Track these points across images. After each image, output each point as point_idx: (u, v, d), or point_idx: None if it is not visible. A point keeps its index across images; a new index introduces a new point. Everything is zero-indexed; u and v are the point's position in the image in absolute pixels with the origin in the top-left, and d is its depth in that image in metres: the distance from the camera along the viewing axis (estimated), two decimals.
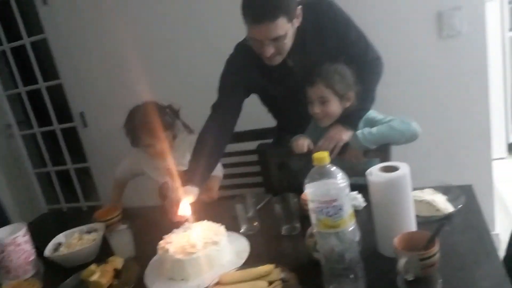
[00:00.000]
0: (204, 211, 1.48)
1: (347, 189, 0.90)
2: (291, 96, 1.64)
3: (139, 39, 2.49)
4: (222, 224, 1.28)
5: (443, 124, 2.16)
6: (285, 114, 1.80)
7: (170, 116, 1.86)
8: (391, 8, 2.08)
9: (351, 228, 0.90)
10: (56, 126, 2.98)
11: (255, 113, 1.80)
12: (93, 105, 2.77)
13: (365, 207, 1.31)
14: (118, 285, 1.19)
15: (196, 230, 1.24)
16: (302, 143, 1.59)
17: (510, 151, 3.36)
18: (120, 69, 2.58)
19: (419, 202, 1.17)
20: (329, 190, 0.88)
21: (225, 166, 1.96)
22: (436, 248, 0.88)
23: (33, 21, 2.75)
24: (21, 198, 3.20)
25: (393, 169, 1.02)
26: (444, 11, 2.02)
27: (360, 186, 1.25)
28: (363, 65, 1.58)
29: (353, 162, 1.52)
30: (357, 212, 1.27)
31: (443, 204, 1.17)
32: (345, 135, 1.54)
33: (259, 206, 1.47)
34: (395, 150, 1.55)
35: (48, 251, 1.40)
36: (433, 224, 0.96)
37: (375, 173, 1.03)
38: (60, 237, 1.48)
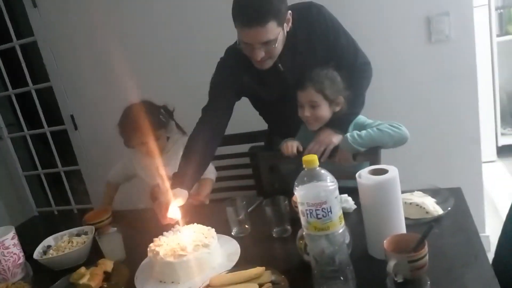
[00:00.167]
0: (194, 214, 1.48)
1: (336, 192, 0.91)
2: (282, 100, 1.64)
3: (129, 41, 2.49)
4: (213, 226, 1.27)
5: (433, 128, 2.18)
6: (275, 117, 1.81)
7: (164, 116, 1.86)
8: (379, 14, 2.10)
9: (340, 231, 0.91)
10: (46, 129, 2.96)
11: (246, 116, 1.80)
12: (83, 108, 2.76)
13: (355, 209, 1.31)
14: None
15: (187, 232, 1.24)
16: (291, 145, 1.60)
17: (500, 154, 3.40)
18: (110, 72, 2.57)
19: (408, 205, 1.18)
20: (318, 193, 0.88)
21: (216, 169, 1.96)
22: (425, 250, 0.89)
23: (23, 23, 2.74)
24: (11, 201, 3.17)
25: (382, 172, 1.03)
26: (433, 16, 2.05)
27: (350, 189, 1.25)
28: (353, 70, 1.60)
29: (343, 165, 1.53)
30: (347, 214, 1.28)
31: (433, 207, 1.18)
32: (335, 139, 1.55)
33: (250, 209, 1.47)
34: (385, 153, 1.57)
35: (37, 254, 1.39)
36: (423, 227, 0.96)
37: (364, 175, 1.04)
38: (49, 240, 1.47)
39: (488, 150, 3.24)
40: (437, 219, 1.14)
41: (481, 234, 1.08)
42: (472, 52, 2.07)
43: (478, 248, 1.01)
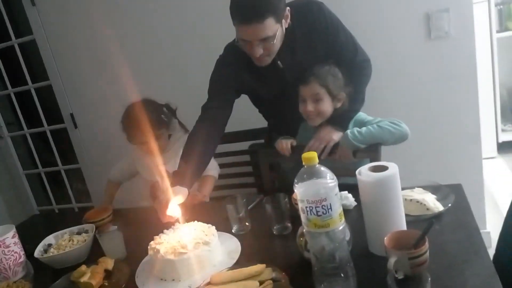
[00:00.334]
0: (195, 211, 1.48)
1: (336, 189, 0.90)
2: (281, 97, 1.64)
3: (128, 39, 2.48)
4: (213, 224, 1.28)
5: (433, 125, 2.17)
6: (275, 115, 1.81)
7: (166, 114, 1.85)
8: (379, 10, 2.09)
9: (341, 228, 0.90)
10: (46, 128, 2.96)
11: (246, 114, 1.80)
12: (83, 107, 2.75)
13: (355, 206, 1.32)
14: (109, 286, 1.19)
15: (187, 230, 1.24)
16: (285, 143, 1.60)
17: (500, 151, 3.40)
18: (109, 70, 2.57)
19: (409, 202, 1.18)
20: (318, 190, 0.88)
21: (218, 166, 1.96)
22: (425, 247, 0.89)
23: (22, 22, 2.73)
24: (11, 200, 3.18)
25: (383, 168, 1.03)
26: (432, 13, 2.04)
27: (350, 185, 1.25)
28: (352, 67, 1.59)
29: (343, 162, 1.53)
30: (347, 211, 1.28)
31: (433, 203, 1.18)
32: (335, 136, 1.55)
33: (250, 206, 1.47)
34: (385, 150, 1.56)
35: (38, 252, 1.39)
36: (423, 223, 0.96)
37: (364, 172, 1.04)
38: (50, 239, 1.47)
39: (488, 146, 3.24)
40: (438, 216, 1.14)
41: (481, 231, 1.08)
42: (472, 49, 2.06)
43: (478, 245, 1.01)
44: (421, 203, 1.18)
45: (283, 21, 1.45)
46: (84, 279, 1.17)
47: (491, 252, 1.12)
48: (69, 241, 1.43)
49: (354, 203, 1.32)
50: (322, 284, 0.92)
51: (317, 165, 0.91)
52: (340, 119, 1.58)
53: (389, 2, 2.07)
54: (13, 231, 1.35)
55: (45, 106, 2.93)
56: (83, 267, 1.22)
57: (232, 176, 2.16)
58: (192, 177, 1.50)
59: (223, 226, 1.33)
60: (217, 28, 2.06)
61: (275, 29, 1.41)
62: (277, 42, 1.47)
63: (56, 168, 3.08)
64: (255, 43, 1.43)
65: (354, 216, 1.26)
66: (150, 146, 1.74)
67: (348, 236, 0.99)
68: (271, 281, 0.99)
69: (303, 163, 0.91)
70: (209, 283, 1.04)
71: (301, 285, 0.96)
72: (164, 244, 1.19)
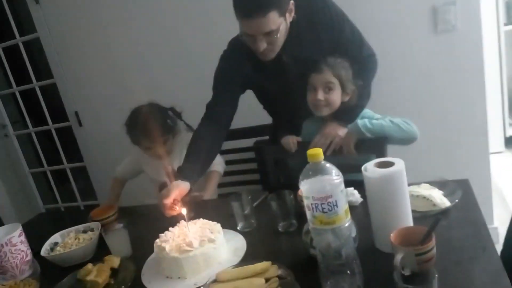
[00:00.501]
0: (200, 209, 1.48)
1: (342, 185, 0.90)
2: (286, 93, 1.63)
3: (133, 37, 2.48)
4: (218, 221, 1.27)
5: (440, 119, 2.16)
6: (280, 112, 1.80)
7: (171, 118, 1.85)
8: (385, 4, 2.07)
9: (347, 224, 0.90)
10: (51, 126, 2.97)
11: (251, 110, 1.80)
12: (87, 104, 2.76)
13: (361, 203, 1.31)
14: (115, 284, 1.18)
15: (193, 228, 1.24)
16: (291, 140, 1.59)
17: (507, 145, 3.37)
18: (114, 68, 2.57)
19: (415, 197, 1.17)
20: (323, 187, 0.87)
21: None
22: (432, 243, 0.88)
23: (26, 20, 2.74)
24: (17, 198, 3.20)
25: (389, 164, 1.02)
26: (439, 6, 2.02)
27: (356, 182, 1.25)
28: (358, 61, 1.58)
29: (347, 156, 1.51)
30: (353, 208, 1.27)
31: (440, 199, 1.17)
32: (341, 132, 1.54)
33: (255, 204, 1.46)
34: (391, 146, 1.55)
35: (44, 251, 1.39)
36: (430, 219, 0.95)
37: (370, 169, 1.03)
38: (56, 237, 1.48)
39: (495, 141, 3.21)
40: (445, 212, 1.13)
41: (489, 226, 1.07)
42: (479, 42, 2.04)
43: (486, 240, 0.99)
44: (427, 199, 1.16)
45: (287, 14, 1.44)
46: (91, 277, 1.17)
47: (499, 247, 1.10)
48: (75, 239, 1.43)
49: (360, 200, 1.31)
50: (329, 281, 0.92)
51: (323, 162, 0.90)
52: (346, 115, 1.56)
53: None
54: (19, 230, 1.35)
55: (50, 104, 2.94)
56: (89, 265, 1.22)
57: (236, 173, 2.15)
58: (195, 174, 1.50)
59: (228, 223, 1.33)
60: (222, 25, 2.05)
61: (278, 23, 1.40)
62: (281, 36, 1.46)
63: (62, 166, 3.09)
64: (259, 37, 1.42)
65: (360, 212, 1.25)
66: (156, 152, 1.74)
67: (354, 232, 0.98)
68: (277, 279, 0.99)
69: (308, 160, 0.90)
70: (215, 281, 1.04)
71: (307, 282, 0.96)
72: (169, 242, 1.19)
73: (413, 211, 1.06)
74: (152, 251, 1.24)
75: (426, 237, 0.90)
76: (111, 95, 2.58)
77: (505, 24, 3.19)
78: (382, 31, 2.05)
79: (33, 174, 3.22)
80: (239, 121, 1.83)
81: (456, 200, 1.16)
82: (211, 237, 1.18)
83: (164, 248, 1.16)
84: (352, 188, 1.33)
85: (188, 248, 1.14)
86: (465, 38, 2.04)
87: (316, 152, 0.89)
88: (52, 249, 1.42)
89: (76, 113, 2.79)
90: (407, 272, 0.84)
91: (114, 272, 1.23)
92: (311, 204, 0.89)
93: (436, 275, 0.78)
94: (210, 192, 1.83)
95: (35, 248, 1.41)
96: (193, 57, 2.39)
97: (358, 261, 0.92)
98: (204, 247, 1.15)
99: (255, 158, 2.06)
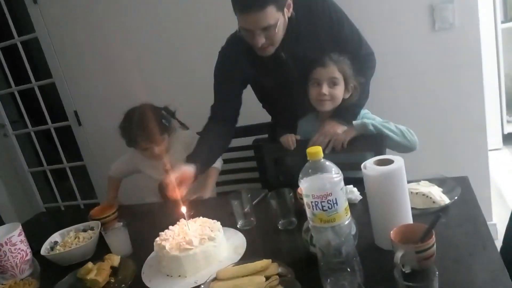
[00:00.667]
0: (199, 207, 1.48)
1: (342, 183, 0.90)
2: (285, 89, 1.63)
3: (131, 36, 2.48)
4: (218, 220, 1.27)
5: (438, 117, 2.16)
6: (279, 108, 1.80)
7: (166, 118, 1.85)
8: (383, 2, 2.07)
9: (347, 222, 0.90)
10: (50, 125, 2.97)
11: (250, 109, 1.79)
12: (86, 104, 2.76)
13: (361, 200, 1.31)
14: (115, 283, 1.19)
15: (192, 226, 1.24)
16: (291, 137, 1.60)
17: (506, 142, 3.38)
18: (112, 67, 2.57)
19: (415, 195, 1.18)
20: (323, 185, 0.87)
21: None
22: (432, 240, 0.88)
23: (24, 20, 2.73)
24: (17, 198, 3.20)
25: (388, 162, 1.02)
26: (436, 4, 2.02)
27: (355, 179, 1.25)
28: (357, 60, 1.58)
29: (338, 151, 1.52)
30: (353, 205, 1.28)
31: (439, 196, 1.17)
32: (340, 130, 1.54)
33: (255, 202, 1.47)
34: None
35: (44, 250, 1.39)
36: (429, 217, 0.96)
37: (369, 166, 1.03)
38: (56, 236, 1.48)
39: (494, 138, 3.22)
40: (444, 209, 1.13)
41: (488, 223, 1.07)
42: (476, 40, 2.04)
43: (486, 237, 1.00)
44: (427, 196, 1.17)
45: (285, 10, 1.44)
46: (91, 276, 1.17)
47: (498, 244, 1.11)
48: (75, 238, 1.43)
49: (360, 197, 1.32)
50: (329, 279, 0.92)
51: (322, 160, 0.90)
52: (345, 113, 1.57)
53: None
54: (19, 229, 1.35)
55: (49, 104, 2.94)
56: (90, 264, 1.22)
57: (236, 171, 2.15)
58: (201, 161, 1.54)
59: (228, 221, 1.33)
60: (218, 26, 2.06)
61: (276, 18, 1.40)
62: (280, 31, 1.46)
63: (61, 166, 3.09)
64: (257, 32, 1.43)
65: (359, 210, 1.25)
66: (153, 152, 1.74)
67: (354, 230, 0.98)
68: (277, 276, 0.99)
69: (308, 158, 0.90)
70: (215, 279, 1.04)
71: (307, 280, 0.96)
72: (169, 240, 1.19)
73: (412, 208, 1.06)
74: (152, 249, 1.24)
75: (426, 234, 0.90)
76: (110, 94, 2.58)
77: (503, 22, 3.19)
78: (379, 29, 2.05)
79: (33, 173, 3.22)
80: (238, 120, 1.84)
81: (456, 197, 1.17)
82: (211, 235, 1.18)
83: (164, 247, 1.16)
84: (351, 186, 1.33)
85: (188, 247, 1.14)
86: (463, 35, 2.04)
87: (315, 150, 0.89)
88: (52, 248, 1.42)
89: (75, 113, 2.79)
90: (407, 270, 0.85)
91: (114, 270, 1.23)
92: (311, 202, 0.89)
93: (437, 273, 0.79)
94: (210, 189, 1.83)
95: (35, 247, 1.41)
96: (189, 57, 2.40)
97: (358, 259, 0.92)
98: (204, 245, 1.15)
99: (254, 156, 2.06)
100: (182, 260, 1.12)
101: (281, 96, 1.69)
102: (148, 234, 1.31)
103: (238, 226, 1.35)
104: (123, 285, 1.15)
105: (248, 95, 1.75)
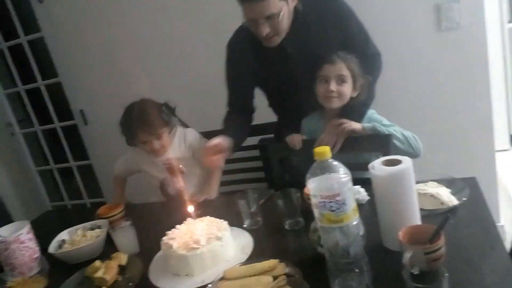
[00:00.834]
0: (206, 206, 1.49)
1: (350, 184, 0.90)
2: (291, 84, 1.64)
3: (136, 36, 2.49)
4: (225, 219, 1.28)
5: (445, 118, 2.15)
6: (284, 105, 1.79)
7: (166, 113, 1.85)
8: (388, 2, 2.06)
9: (355, 223, 0.90)
10: (57, 124, 2.98)
11: (256, 108, 1.80)
12: (92, 103, 2.77)
13: (368, 201, 1.31)
14: (122, 281, 1.19)
15: (199, 225, 1.24)
16: (297, 137, 1.59)
17: None
18: (118, 66, 2.58)
19: (423, 195, 1.17)
20: (331, 185, 0.87)
21: (226, 161, 1.95)
22: (441, 241, 0.88)
23: (30, 19, 2.75)
24: (24, 196, 3.22)
25: (396, 162, 1.02)
26: (442, 3, 2.01)
27: (362, 180, 1.25)
28: (364, 59, 1.58)
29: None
30: (360, 206, 1.26)
31: (447, 197, 1.17)
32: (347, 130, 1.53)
33: (261, 201, 1.47)
34: None
35: (52, 248, 1.40)
36: (438, 217, 0.95)
37: (377, 167, 1.03)
38: (63, 234, 1.49)
39: (501, 139, 3.19)
40: (452, 210, 1.13)
41: (495, 224, 1.06)
42: (483, 39, 2.03)
43: (495, 239, 0.99)
44: (435, 197, 1.16)
45: None
46: (98, 274, 1.18)
47: (506, 245, 1.10)
48: (83, 236, 1.44)
49: (367, 198, 1.31)
50: (336, 280, 0.92)
51: (330, 160, 0.90)
52: (352, 113, 1.56)
53: None
54: (27, 227, 1.36)
55: (55, 103, 2.95)
56: (97, 263, 1.23)
57: (241, 171, 2.15)
58: (235, 140, 1.60)
59: (234, 221, 1.33)
60: (220, 26, 2.06)
61: (279, 6, 1.42)
62: (284, 20, 1.47)
63: (68, 164, 3.10)
64: (261, 21, 1.44)
65: (367, 210, 1.25)
66: (153, 146, 1.74)
67: (362, 231, 0.98)
68: (284, 276, 0.99)
69: (316, 158, 0.90)
70: (222, 278, 1.05)
71: (315, 280, 0.96)
72: (177, 239, 1.19)
73: (420, 209, 1.06)
74: (159, 248, 1.25)
75: (435, 235, 0.90)
76: (116, 93, 2.59)
77: (509, 21, 3.17)
78: (385, 29, 2.04)
79: (40, 172, 3.23)
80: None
81: (464, 199, 1.16)
82: (218, 235, 1.18)
83: (171, 246, 1.17)
84: (358, 186, 1.33)
85: (196, 246, 1.14)
86: (469, 35, 2.03)
87: (323, 150, 0.89)
88: (60, 246, 1.43)
89: (82, 112, 2.80)
90: (416, 271, 0.84)
91: (121, 269, 1.24)
92: (319, 202, 0.89)
93: (446, 274, 0.78)
94: (215, 189, 1.83)
95: (42, 245, 1.42)
96: (197, 57, 2.40)
97: (366, 260, 0.92)
98: (211, 244, 1.16)
99: (259, 156, 2.06)
100: (189, 259, 1.13)
101: (286, 92, 1.69)
102: (155, 232, 1.32)
103: (244, 226, 1.35)
104: (131, 284, 1.16)
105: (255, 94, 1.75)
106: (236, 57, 1.66)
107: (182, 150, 1.82)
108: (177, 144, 1.83)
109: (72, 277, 1.25)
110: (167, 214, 1.52)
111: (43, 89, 2.88)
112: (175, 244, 1.17)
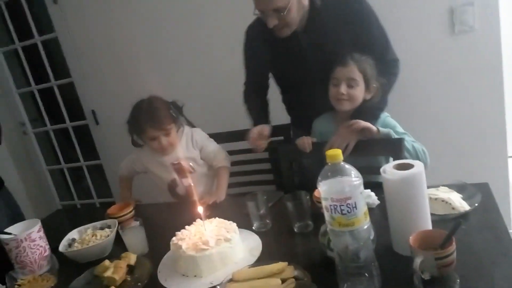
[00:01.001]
0: (215, 208, 1.48)
1: (361, 187, 0.89)
2: (304, 79, 1.65)
3: (148, 37, 2.51)
4: (234, 221, 1.28)
5: (458, 122, 2.13)
6: (296, 100, 1.80)
7: (174, 111, 1.86)
8: (402, 5, 2.05)
9: (366, 227, 0.89)
10: (68, 124, 3.01)
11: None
12: (104, 103, 2.79)
13: (378, 205, 1.30)
14: (131, 281, 1.20)
15: (209, 227, 1.24)
16: (306, 142, 1.59)
17: None
18: (130, 67, 2.60)
19: (434, 200, 1.16)
20: (343, 188, 0.87)
21: (235, 163, 1.96)
22: (453, 247, 0.87)
23: (44, 20, 2.78)
24: (35, 195, 3.25)
25: (408, 166, 1.01)
26: (457, 6, 2.00)
27: (372, 183, 1.24)
28: (382, 64, 1.56)
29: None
30: (370, 210, 1.25)
31: (459, 203, 1.16)
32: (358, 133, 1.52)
33: (271, 204, 1.46)
34: None
35: (62, 247, 1.41)
36: (449, 223, 0.94)
37: (389, 171, 1.02)
38: (73, 233, 1.50)
39: None
40: (464, 215, 1.12)
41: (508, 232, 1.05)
42: (497, 43, 2.01)
43: (507, 245, 0.98)
44: (446, 202, 1.15)
45: None
46: (108, 273, 1.19)
47: None
48: (93, 236, 1.45)
49: (377, 202, 1.30)
50: (346, 284, 0.91)
51: (342, 163, 0.89)
52: (365, 115, 1.53)
53: None
54: (38, 225, 1.37)
55: (68, 102, 2.98)
56: (107, 262, 1.24)
57: (250, 173, 2.15)
58: (265, 118, 1.77)
59: (243, 223, 1.33)
60: (228, 27, 2.08)
61: (286, 0, 1.43)
62: (292, 14, 1.48)
63: (78, 164, 3.13)
64: (269, 13, 1.46)
65: (377, 214, 1.24)
66: (162, 142, 1.74)
67: (372, 235, 0.97)
68: (293, 280, 0.99)
69: (327, 161, 0.90)
70: (231, 280, 1.04)
71: (324, 284, 0.95)
72: (186, 240, 1.20)
73: (431, 214, 1.05)
74: (168, 248, 1.25)
75: (446, 241, 0.89)
76: (128, 94, 2.57)
77: None
78: (398, 32, 2.00)
79: (50, 171, 3.27)
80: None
81: (476, 204, 1.14)
82: (227, 236, 1.18)
83: (180, 246, 1.17)
84: (368, 190, 1.32)
85: (205, 247, 1.15)
86: (483, 39, 2.01)
87: (335, 153, 0.89)
88: (69, 245, 1.44)
89: (93, 112, 2.83)
90: (426, 276, 0.84)
91: (130, 269, 1.24)
92: (330, 205, 0.88)
93: (458, 280, 0.77)
94: (224, 190, 1.83)
95: (52, 244, 1.43)
96: (206, 57, 2.41)
97: (376, 264, 0.91)
98: (220, 246, 1.16)
99: (268, 158, 2.06)
100: (198, 260, 1.13)
101: (299, 87, 1.70)
102: (164, 233, 1.32)
103: (253, 228, 1.35)
104: (139, 284, 1.16)
105: None
106: (252, 44, 1.72)
107: (190, 150, 1.82)
108: (184, 144, 1.83)
109: (81, 276, 1.26)
110: (176, 214, 1.53)
111: (55, 89, 2.91)
112: (184, 245, 1.17)
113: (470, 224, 1.09)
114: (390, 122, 1.57)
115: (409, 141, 1.49)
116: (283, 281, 0.99)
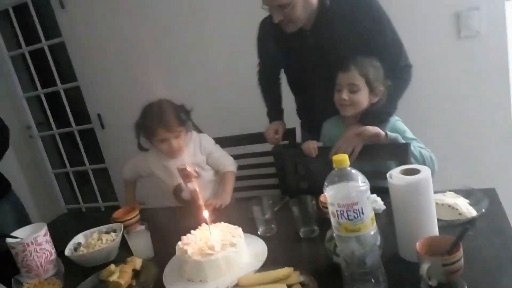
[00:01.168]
0: (220, 212, 1.48)
1: (368, 192, 0.89)
2: (310, 76, 1.66)
3: (154, 41, 2.52)
4: (239, 226, 1.27)
5: (464, 127, 2.12)
6: (304, 98, 1.80)
7: (183, 115, 1.86)
8: (407, 10, 2.05)
9: (372, 232, 0.89)
10: (74, 128, 3.03)
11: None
12: (110, 107, 2.81)
13: (384, 210, 1.29)
14: (137, 285, 1.19)
15: (214, 231, 1.24)
16: (312, 146, 1.58)
17: None
18: (136, 71, 2.61)
19: (440, 206, 1.15)
20: (349, 193, 0.87)
21: (241, 167, 1.96)
22: (460, 253, 0.86)
23: (51, 25, 2.81)
24: (40, 198, 3.26)
25: (414, 172, 1.00)
26: (462, 11, 1.99)
27: (378, 188, 1.23)
28: (394, 69, 1.55)
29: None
30: (377, 215, 1.24)
31: (466, 208, 1.15)
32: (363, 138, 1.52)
33: (276, 208, 1.46)
34: None
35: (68, 251, 1.41)
36: (456, 229, 0.94)
37: (396, 176, 1.01)
38: (79, 237, 1.50)
39: None
40: (471, 221, 1.11)
41: None
42: (503, 48, 2.01)
43: None
44: (453, 208, 1.14)
45: None
46: (113, 278, 1.18)
47: None
48: (98, 240, 1.45)
49: (383, 207, 1.30)
50: None
51: (348, 168, 0.89)
52: (371, 120, 1.52)
53: (417, 1, 2.03)
54: (44, 229, 1.38)
55: (74, 106, 3.00)
56: (112, 266, 1.24)
57: (255, 178, 2.15)
58: (279, 112, 1.92)
59: (248, 227, 1.32)
60: (236, 33, 2.08)
61: None
62: (296, 11, 1.49)
63: (84, 168, 3.15)
64: (274, 9, 1.49)
65: (383, 220, 1.23)
66: (171, 144, 1.74)
67: (379, 240, 0.97)
68: (299, 285, 0.98)
69: (334, 166, 0.90)
70: (236, 285, 1.04)
71: None
72: (191, 244, 1.19)
73: (438, 219, 1.04)
74: (174, 253, 1.25)
75: (454, 247, 0.88)
76: (134, 98, 2.59)
77: None
78: (404, 37, 2.01)
79: (56, 174, 3.28)
80: (258, 126, 1.84)
81: (483, 210, 1.14)
82: (232, 241, 1.18)
83: (186, 251, 1.17)
84: (374, 195, 1.31)
85: (210, 252, 1.14)
86: (489, 44, 2.00)
87: (342, 158, 0.88)
88: (75, 249, 1.44)
89: (99, 116, 2.84)
90: (434, 283, 0.83)
91: (136, 273, 1.24)
92: (336, 210, 0.88)
93: (466, 286, 0.77)
94: (229, 195, 1.83)
95: (58, 247, 1.43)
96: (212, 62, 2.42)
97: (383, 270, 0.91)
98: (226, 251, 1.15)
99: (273, 163, 2.06)
100: (203, 265, 1.13)
101: (307, 86, 1.71)
102: (169, 237, 1.32)
103: (259, 232, 1.34)
104: None
105: None
106: (264, 37, 1.77)
107: (197, 155, 1.82)
108: (192, 149, 1.83)
109: (87, 280, 1.25)
110: (181, 219, 1.52)
111: (62, 93, 2.93)
112: (190, 250, 1.17)
113: (477, 230, 1.08)
114: (400, 127, 1.56)
115: (417, 147, 1.48)
116: (289, 286, 0.98)
